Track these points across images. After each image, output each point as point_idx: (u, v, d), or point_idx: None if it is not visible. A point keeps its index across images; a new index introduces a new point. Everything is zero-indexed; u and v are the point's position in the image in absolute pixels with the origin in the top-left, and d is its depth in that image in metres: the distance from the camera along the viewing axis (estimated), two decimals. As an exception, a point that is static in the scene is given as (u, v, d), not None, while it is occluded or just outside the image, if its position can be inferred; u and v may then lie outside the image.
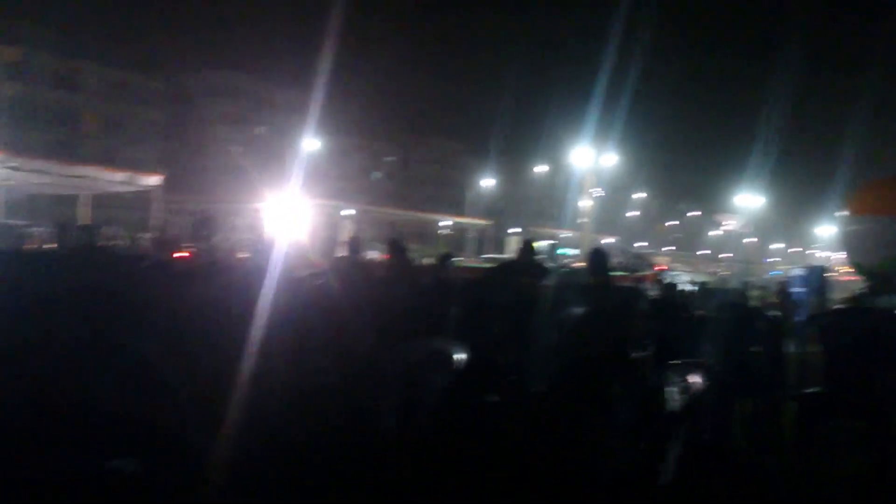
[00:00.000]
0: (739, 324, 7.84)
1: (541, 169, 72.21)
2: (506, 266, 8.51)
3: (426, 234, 49.37)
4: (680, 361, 5.93)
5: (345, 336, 5.96)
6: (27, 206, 32.89)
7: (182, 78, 62.20)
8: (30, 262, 8.42)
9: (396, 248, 8.85)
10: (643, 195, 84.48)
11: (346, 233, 28.88)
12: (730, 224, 75.88)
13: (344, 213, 40.15)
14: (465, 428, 4.42)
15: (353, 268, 8.73)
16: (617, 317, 6.32)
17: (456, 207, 64.27)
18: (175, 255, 11.00)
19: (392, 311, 6.24)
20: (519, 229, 57.32)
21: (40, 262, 8.48)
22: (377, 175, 75.93)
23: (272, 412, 5.03)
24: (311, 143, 47.66)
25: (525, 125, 72.09)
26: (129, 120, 58.79)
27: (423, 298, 6.84)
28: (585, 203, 40.83)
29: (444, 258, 9.75)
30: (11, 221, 22.32)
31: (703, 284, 16.89)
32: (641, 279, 17.26)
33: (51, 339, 5.25)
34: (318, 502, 4.48)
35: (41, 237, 18.48)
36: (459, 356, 4.82)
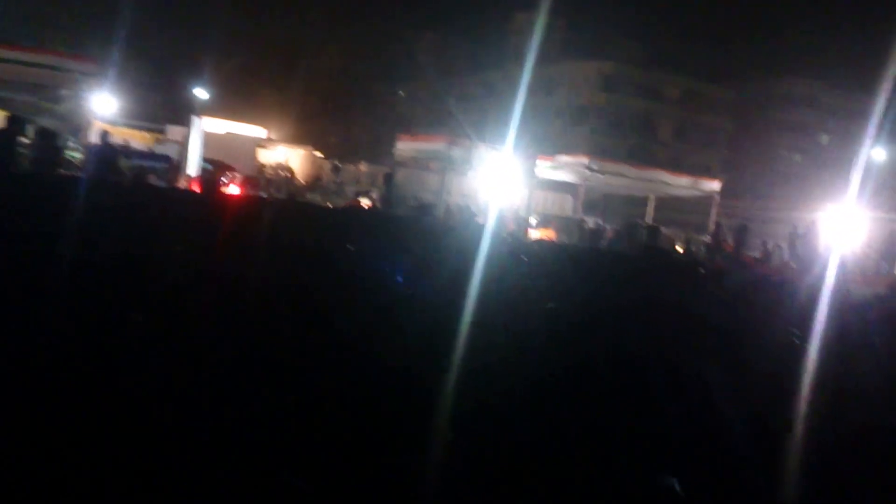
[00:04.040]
0: None
1: None
2: None
3: None
4: None
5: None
6: (601, 204, 35.39)
7: (753, 86, 60.92)
8: (598, 262, 8.97)
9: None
10: None
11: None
12: None
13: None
14: None
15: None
16: None
17: None
18: (738, 263, 10.82)
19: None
20: None
21: (608, 263, 8.99)
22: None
23: (820, 438, 4.53)
24: (875, 153, 43.03)
25: None
26: (698, 127, 59.56)
27: None
28: None
29: None
30: (586, 218, 24.15)
31: None
32: None
33: (621, 341, 5.41)
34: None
35: (611, 235, 19.64)
36: None
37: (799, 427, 4.38)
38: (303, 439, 3.73)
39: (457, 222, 12.10)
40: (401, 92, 55.44)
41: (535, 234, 18.86)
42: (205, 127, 24.07)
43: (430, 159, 27.63)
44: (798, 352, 5.44)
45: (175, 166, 22.43)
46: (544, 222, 20.78)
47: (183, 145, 23.18)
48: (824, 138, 61.20)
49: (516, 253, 8.56)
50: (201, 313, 5.18)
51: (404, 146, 27.66)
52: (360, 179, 31.28)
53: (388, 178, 15.55)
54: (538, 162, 23.94)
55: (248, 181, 21.37)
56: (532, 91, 36.20)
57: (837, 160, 48.44)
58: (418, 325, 5.31)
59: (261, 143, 34.16)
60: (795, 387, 4.88)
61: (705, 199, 28.52)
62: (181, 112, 33.02)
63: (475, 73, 58.36)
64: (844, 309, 6.09)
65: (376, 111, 57.40)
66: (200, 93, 37.76)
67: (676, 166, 42.24)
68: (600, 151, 41.12)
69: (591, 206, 30.59)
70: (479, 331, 5.14)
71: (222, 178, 20.21)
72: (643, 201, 30.89)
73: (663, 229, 20.47)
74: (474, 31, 60.07)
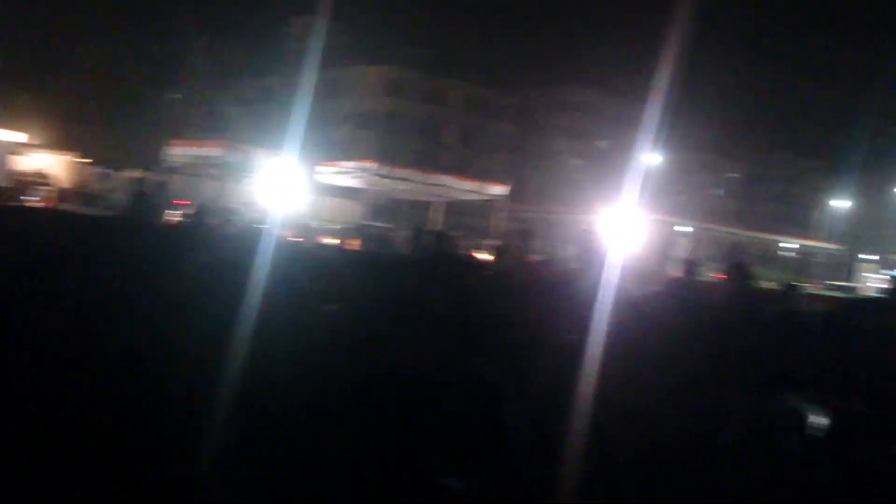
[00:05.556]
0: None
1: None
2: (868, 303, 7.43)
3: (768, 256, 46.21)
4: None
5: (679, 368, 5.51)
6: (388, 210, 35.72)
7: (533, 93, 64.13)
8: (384, 266, 8.93)
9: (739, 273, 8.10)
10: None
11: (682, 250, 27.79)
12: None
13: (681, 229, 38.89)
14: (818, 496, 3.81)
15: (691, 291, 8.18)
16: None
17: (803, 229, 59.58)
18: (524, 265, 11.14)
19: (733, 348, 5.64)
20: (875, 256, 51.85)
21: (394, 267, 8.96)
22: (718, 192, 72.73)
23: (604, 434, 4.72)
24: (650, 158, 46.79)
25: (889, 141, 64.91)
26: (483, 133, 61.83)
27: (768, 335, 6.14)
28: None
29: (791, 288, 8.85)
30: (374, 223, 24.25)
31: None
32: None
33: (406, 342, 5.40)
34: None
35: (400, 240, 19.77)
36: (817, 418, 4.18)
37: (577, 421, 4.51)
38: (73, 446, 3.53)
39: (234, 229, 11.64)
40: (175, 95, 53.18)
41: (329, 241, 18.65)
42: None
43: (208, 165, 26.70)
44: (577, 349, 5.62)
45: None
46: (333, 229, 20.61)
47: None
48: (602, 143, 65.46)
49: (298, 259, 8.35)
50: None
51: (180, 151, 26.54)
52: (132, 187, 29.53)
53: (141, 183, 14.75)
54: (323, 168, 23.76)
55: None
56: (315, 96, 35.86)
57: (616, 165, 51.94)
58: (192, 333, 5.10)
59: (17, 149, 31.42)
60: (575, 382, 5.03)
61: (492, 204, 29.55)
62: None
63: (253, 77, 57.08)
64: (623, 307, 6.39)
65: (148, 115, 54.71)
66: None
67: (463, 171, 43.50)
68: (387, 156, 41.48)
69: (378, 211, 30.79)
70: (257, 336, 4.99)
71: None
72: (431, 206, 31.54)
73: (451, 233, 20.89)
74: (251, 34, 58.81)
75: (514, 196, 30.46)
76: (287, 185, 19.85)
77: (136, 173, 31.37)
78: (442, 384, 4.61)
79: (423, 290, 7.34)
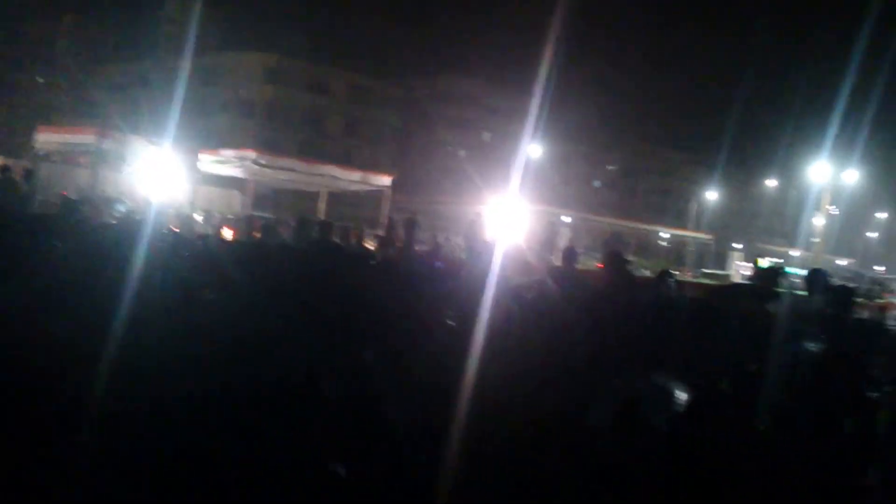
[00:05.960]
0: None
1: (771, 183, 68.45)
2: (734, 289, 7.87)
3: (645, 245, 47.98)
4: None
5: (557, 352, 5.72)
6: (272, 200, 35.22)
7: (417, 84, 64.31)
8: (265, 256, 8.85)
9: (616, 261, 8.40)
10: (885, 215, 77.22)
11: (564, 240, 28.52)
12: None
13: (562, 219, 39.93)
14: (683, 469, 4.05)
15: (569, 279, 8.43)
16: (857, 355, 5.68)
17: (678, 219, 62.13)
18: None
19: (608, 332, 5.89)
20: (741, 245, 54.62)
21: (276, 257, 8.90)
22: (598, 183, 74.92)
23: (483, 419, 4.85)
24: (533, 150, 47.77)
25: (757, 137, 68.46)
26: (367, 123, 61.63)
27: (641, 319, 6.44)
28: (818, 221, 38.18)
29: (664, 275, 9.19)
30: (258, 214, 23.89)
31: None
32: (883, 308, 15.72)
33: (287, 331, 5.41)
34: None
35: (282, 229, 19.53)
36: (681, 394, 4.44)
37: (458, 407, 4.64)
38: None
39: (108, 219, 11.29)
40: (39, 79, 50.73)
41: (209, 231, 18.24)
42: None
43: (79, 153, 25.62)
44: (459, 336, 5.75)
45: None
46: (212, 219, 20.18)
47: None
48: (486, 135, 66.29)
49: (177, 248, 8.18)
50: None
51: (47, 138, 25.35)
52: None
53: (7, 172, 14.10)
54: (201, 156, 23.18)
55: None
56: (192, 82, 34.89)
57: (500, 156, 52.83)
58: (63, 325, 4.97)
59: None
60: (456, 369, 5.14)
61: (377, 194, 29.57)
62: None
63: (125, 61, 54.91)
64: (504, 295, 6.56)
65: (13, 100, 52.02)
66: None
67: (347, 161, 43.31)
68: (269, 146, 40.87)
69: (261, 201, 30.33)
70: (131, 329, 4.89)
71: None
72: (315, 196, 31.30)
73: (336, 223, 20.79)
74: (122, 15, 56.53)
75: (399, 186, 30.59)
76: (165, 174, 19.28)
77: (0, 161, 29.80)
78: (324, 372, 4.65)
79: (306, 279, 7.34)
